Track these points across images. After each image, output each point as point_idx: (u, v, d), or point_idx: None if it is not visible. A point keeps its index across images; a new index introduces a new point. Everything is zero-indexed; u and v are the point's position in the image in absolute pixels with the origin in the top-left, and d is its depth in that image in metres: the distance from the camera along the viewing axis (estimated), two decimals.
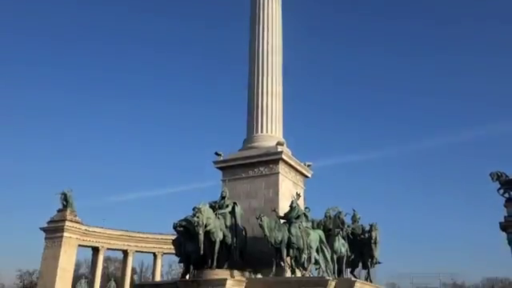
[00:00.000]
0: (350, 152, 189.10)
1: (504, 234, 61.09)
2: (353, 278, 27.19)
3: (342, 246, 28.02)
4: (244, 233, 26.74)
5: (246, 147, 30.61)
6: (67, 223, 57.30)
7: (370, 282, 28.95)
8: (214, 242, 24.75)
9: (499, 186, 62.73)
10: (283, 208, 27.00)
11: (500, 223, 61.40)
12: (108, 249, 64.95)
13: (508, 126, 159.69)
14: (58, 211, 59.63)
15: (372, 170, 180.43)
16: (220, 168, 30.18)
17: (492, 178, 63.57)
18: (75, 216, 59.40)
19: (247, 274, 25.33)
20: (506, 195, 62.12)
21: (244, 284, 24.09)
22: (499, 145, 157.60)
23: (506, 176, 62.46)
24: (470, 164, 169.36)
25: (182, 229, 25.63)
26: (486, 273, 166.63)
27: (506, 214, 60.86)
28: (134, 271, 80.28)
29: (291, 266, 25.56)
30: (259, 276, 25.39)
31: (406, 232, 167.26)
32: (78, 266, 77.99)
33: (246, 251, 26.41)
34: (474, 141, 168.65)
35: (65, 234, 56.96)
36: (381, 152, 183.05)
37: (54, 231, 57.59)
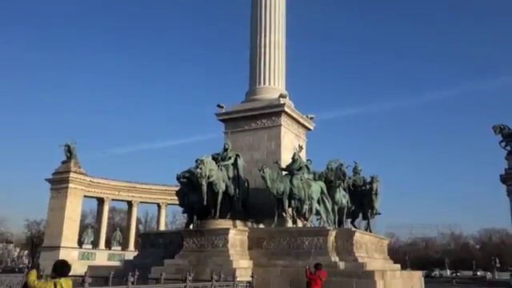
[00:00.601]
0: (353, 105, 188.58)
1: (504, 186, 61.98)
2: (353, 228, 27.76)
3: (342, 197, 28.43)
4: (246, 184, 27.09)
5: (248, 99, 30.46)
6: (72, 174, 58.06)
7: (370, 231, 29.58)
8: (217, 193, 25.14)
9: (501, 138, 63.09)
10: (285, 160, 27.20)
11: (500, 175, 62.14)
12: (113, 200, 66.14)
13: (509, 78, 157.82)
14: (63, 163, 60.30)
15: (374, 123, 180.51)
16: (222, 120, 30.17)
17: (495, 131, 63.84)
18: (79, 167, 60.08)
19: (249, 224, 25.88)
20: (508, 148, 62.61)
21: (246, 234, 24.66)
22: (502, 98, 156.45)
23: (509, 129, 62.65)
24: (470, 117, 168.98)
25: (185, 180, 25.99)
26: (483, 224, 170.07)
27: (507, 167, 61.55)
28: (138, 221, 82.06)
29: (293, 217, 26.06)
30: (261, 226, 25.95)
31: (406, 184, 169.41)
32: (84, 216, 79.65)
33: (249, 202, 26.88)
34: (476, 94, 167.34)
35: (70, 185, 57.84)
36: (382, 105, 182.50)
37: (59, 182, 58.48)
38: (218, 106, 30.13)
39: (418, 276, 31.67)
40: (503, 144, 62.96)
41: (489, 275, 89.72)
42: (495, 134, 63.57)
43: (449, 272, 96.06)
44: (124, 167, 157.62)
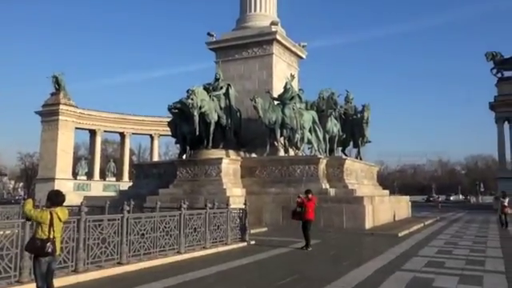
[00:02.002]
0: (344, 32, 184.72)
1: (493, 113, 62.65)
2: (343, 156, 28.27)
3: (334, 126, 28.63)
4: (238, 114, 27.08)
5: (239, 27, 29.66)
6: (61, 106, 57.41)
7: (360, 159, 30.13)
8: (209, 123, 25.18)
9: (493, 65, 62.81)
10: (277, 89, 27.02)
11: (490, 103, 62.61)
12: (105, 131, 66.11)
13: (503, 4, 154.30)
14: (52, 95, 59.41)
15: (366, 50, 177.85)
16: (213, 49, 29.54)
17: (487, 58, 63.38)
18: (69, 99, 59.30)
19: (242, 153, 26.19)
20: (499, 75, 62.54)
21: (239, 163, 25.03)
22: (495, 24, 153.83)
23: (501, 56, 62.19)
24: (462, 44, 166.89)
25: (177, 111, 25.91)
26: (470, 151, 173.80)
27: (497, 94, 61.87)
28: (132, 152, 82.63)
29: (284, 146, 26.36)
30: (254, 155, 26.28)
31: (396, 112, 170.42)
32: (76, 148, 79.92)
33: (241, 132, 27.03)
34: (469, 20, 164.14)
35: (60, 117, 57.37)
36: (374, 32, 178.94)
37: (49, 114, 57.93)
38: (209, 34, 29.36)
39: (405, 200, 32.82)
40: (494, 71, 62.82)
41: (473, 199, 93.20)
42: (487, 61, 63.24)
43: (461, 196, 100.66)
44: (115, 99, 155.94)
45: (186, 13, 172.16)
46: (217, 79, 26.73)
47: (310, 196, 14.91)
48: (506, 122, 60.83)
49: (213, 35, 29.27)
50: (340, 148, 31.22)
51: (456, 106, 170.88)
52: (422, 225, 24.18)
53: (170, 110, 26.38)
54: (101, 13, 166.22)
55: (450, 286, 8.95)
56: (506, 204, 23.62)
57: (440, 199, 71.84)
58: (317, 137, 27.22)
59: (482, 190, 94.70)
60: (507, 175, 59.28)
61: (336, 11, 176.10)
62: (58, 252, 7.09)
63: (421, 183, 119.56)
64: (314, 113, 27.37)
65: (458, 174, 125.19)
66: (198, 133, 24.88)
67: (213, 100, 25.45)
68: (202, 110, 24.56)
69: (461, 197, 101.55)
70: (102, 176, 65.04)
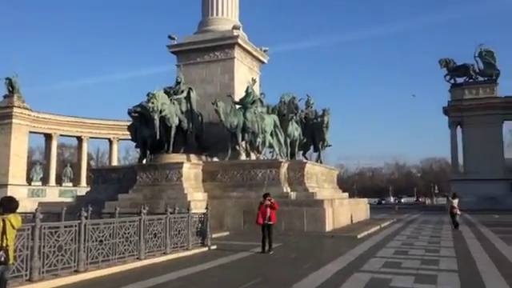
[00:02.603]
0: (306, 38, 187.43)
1: (446, 118, 65.08)
2: (304, 160, 28.60)
3: (295, 130, 28.97)
4: (200, 118, 26.94)
5: (201, 30, 29.54)
6: (15, 109, 55.36)
7: (321, 163, 30.60)
8: (170, 127, 24.94)
9: (446, 72, 65.33)
10: (239, 93, 27.07)
11: (443, 108, 65.04)
12: (61, 135, 64.28)
13: (455, 14, 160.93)
14: (5, 97, 57.24)
15: (326, 56, 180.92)
16: (174, 53, 29.28)
17: (441, 65, 65.85)
18: (23, 102, 57.25)
19: (203, 157, 26.06)
20: (452, 81, 65.10)
21: (200, 167, 24.89)
22: (447, 33, 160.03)
23: (454, 63, 64.80)
24: (416, 52, 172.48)
25: (136, 114, 25.51)
26: (426, 154, 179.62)
27: (450, 99, 64.35)
28: (89, 157, 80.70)
29: (246, 150, 26.43)
30: (215, 159, 26.20)
31: (356, 117, 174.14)
32: (31, 152, 77.30)
33: (202, 136, 26.89)
34: (423, 28, 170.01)
35: (14, 121, 55.31)
36: (334, 38, 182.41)
37: (1, 118, 55.77)
38: (170, 37, 29.09)
39: (363, 202, 33.58)
40: (448, 77, 65.34)
41: (428, 201, 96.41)
42: (441, 68, 65.71)
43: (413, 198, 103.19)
44: (72, 102, 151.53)
45: (147, 15, 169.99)
46: (178, 83, 26.52)
47: (272, 200, 15.05)
48: (459, 127, 63.31)
49: (174, 38, 29.04)
50: (301, 152, 31.60)
51: (412, 110, 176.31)
52: (380, 227, 24.78)
53: (129, 113, 25.95)
54: (60, 14, 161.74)
55: (406, 286, 9.22)
56: (454, 205, 24.12)
57: (392, 201, 74.04)
58: (278, 141, 27.46)
59: (437, 191, 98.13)
60: (460, 177, 61.65)
61: (298, 16, 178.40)
62: (11, 261, 6.85)
63: (379, 186, 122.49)
64: (275, 117, 27.60)
65: (414, 177, 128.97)
66: (158, 137, 24.57)
67: (174, 104, 25.22)
68: (163, 113, 24.29)
69: (413, 199, 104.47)
70: (58, 181, 63.12)
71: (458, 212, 24.09)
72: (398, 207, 59.52)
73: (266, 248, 14.43)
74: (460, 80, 64.23)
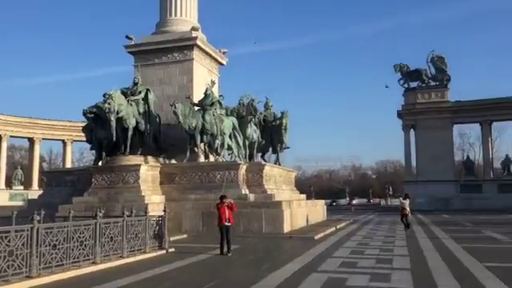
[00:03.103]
0: (265, 40, 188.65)
1: (400, 121, 67.21)
2: (263, 162, 28.79)
3: (253, 132, 29.11)
4: (158, 120, 26.61)
5: (159, 31, 29.19)
6: None
7: (279, 165, 30.87)
8: (127, 129, 24.51)
9: (401, 77, 67.50)
10: (197, 95, 26.95)
11: (397, 111, 67.13)
12: (12, 136, 61.89)
13: (415, 18, 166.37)
14: None
15: (284, 59, 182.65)
16: (132, 53, 28.78)
17: (395, 70, 67.99)
18: None
19: (161, 159, 25.74)
20: (406, 85, 67.33)
21: (158, 169, 24.59)
22: (403, 37, 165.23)
23: (408, 68, 67.07)
24: (372, 56, 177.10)
25: (92, 115, 24.92)
26: (381, 156, 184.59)
27: (404, 103, 66.52)
28: (42, 159, 78.03)
29: (205, 152, 26.32)
30: (173, 161, 25.95)
31: (313, 119, 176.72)
32: None
33: (160, 138, 26.57)
34: (379, 33, 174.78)
35: None
36: (292, 41, 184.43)
37: None
38: (127, 37, 28.59)
39: (320, 204, 34.15)
40: (402, 82, 67.54)
41: (383, 202, 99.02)
42: (395, 73, 67.85)
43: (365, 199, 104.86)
44: (25, 102, 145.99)
45: (103, 13, 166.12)
46: (135, 83, 26.11)
47: (231, 201, 15.09)
48: (412, 129, 65.52)
49: (131, 38, 28.56)
50: (259, 154, 31.78)
51: (369, 113, 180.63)
52: (336, 228, 25.25)
53: (84, 114, 25.30)
54: (12, 11, 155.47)
55: (361, 284, 9.47)
56: (405, 206, 24.41)
57: (344, 203, 75.74)
58: (237, 143, 27.51)
59: (391, 193, 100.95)
60: (412, 179, 63.84)
61: (259, 18, 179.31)
62: None
63: (336, 187, 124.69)
64: (234, 119, 27.65)
65: (370, 178, 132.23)
66: (115, 138, 24.09)
67: (131, 105, 24.80)
68: (120, 114, 23.85)
69: (365, 200, 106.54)
70: (8, 184, 60.67)
71: (408, 213, 24.32)
72: (354, 208, 60.89)
73: (225, 250, 14.43)
74: (413, 84, 66.58)
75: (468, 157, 71.60)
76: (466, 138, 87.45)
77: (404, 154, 67.57)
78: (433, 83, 65.71)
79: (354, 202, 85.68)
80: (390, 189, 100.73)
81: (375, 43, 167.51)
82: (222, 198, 15.12)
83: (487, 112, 61.65)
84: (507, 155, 65.73)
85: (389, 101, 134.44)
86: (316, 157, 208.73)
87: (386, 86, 68.91)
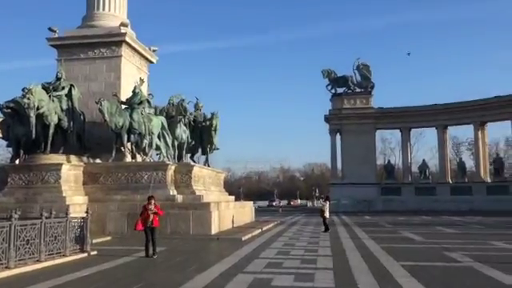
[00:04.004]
0: (198, 40, 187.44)
1: (327, 125, 69.49)
2: (192, 163, 28.53)
3: (183, 132, 28.73)
4: (82, 117, 25.47)
5: (85, 25, 27.96)
6: None
7: (208, 166, 30.73)
8: (48, 126, 23.20)
9: (328, 82, 69.81)
10: (125, 93, 26.15)
11: (325, 116, 69.35)
12: None
13: (345, 26, 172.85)
14: None
15: (217, 59, 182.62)
16: (55, 46, 27.32)
17: (323, 75, 70.20)
18: None
19: (85, 159, 24.69)
20: (333, 91, 69.73)
21: (81, 169, 23.56)
22: (331, 44, 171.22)
23: (335, 74, 69.50)
24: (302, 61, 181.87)
25: (9, 110, 23.33)
26: (308, 159, 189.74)
27: (331, 108, 68.86)
28: None
29: (132, 151, 25.62)
30: (98, 161, 24.98)
31: (244, 121, 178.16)
32: None
33: (85, 136, 25.45)
34: (312, 38, 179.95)
35: None
36: (225, 42, 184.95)
37: None
38: (50, 29, 27.10)
39: (249, 205, 34.47)
40: (329, 87, 69.88)
41: (309, 203, 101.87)
42: (323, 78, 70.06)
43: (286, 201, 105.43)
44: None
45: (24, 2, 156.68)
46: (58, 78, 24.79)
47: (157, 205, 14.82)
48: (338, 134, 67.96)
49: (55, 31, 27.12)
50: (189, 155, 31.44)
51: (298, 116, 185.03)
52: (264, 229, 25.58)
53: (1, 109, 23.65)
54: None
55: (286, 285, 9.64)
56: (324, 208, 24.75)
57: (275, 204, 77.08)
58: (166, 143, 27.00)
59: (318, 194, 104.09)
60: (338, 181, 66.23)
61: (192, 17, 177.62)
62: None
63: (265, 189, 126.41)
64: (163, 118, 27.11)
65: (297, 180, 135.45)
66: (34, 136, 22.69)
67: (53, 101, 23.51)
68: (40, 110, 22.51)
69: (285, 202, 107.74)
70: None
71: (327, 215, 24.62)
72: (282, 209, 62.08)
73: (150, 252, 14.11)
74: (340, 90, 69.10)
75: (389, 161, 75.50)
76: (387, 143, 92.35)
77: (330, 157, 69.93)
78: (358, 90, 68.60)
79: (275, 203, 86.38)
80: (317, 191, 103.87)
81: (307, 49, 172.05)
82: (150, 198, 14.81)
83: (407, 119, 65.35)
84: (424, 160, 70.16)
85: (317, 105, 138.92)
86: (246, 159, 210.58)
87: (408, 54, 70.80)
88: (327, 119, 69.23)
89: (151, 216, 14.33)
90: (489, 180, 61.54)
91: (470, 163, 73.99)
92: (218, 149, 32.56)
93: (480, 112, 60.69)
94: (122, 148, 24.84)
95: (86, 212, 15.14)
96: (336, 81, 69.40)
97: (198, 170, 26.15)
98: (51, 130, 23.34)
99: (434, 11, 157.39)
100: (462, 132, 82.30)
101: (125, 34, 26.73)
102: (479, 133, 62.41)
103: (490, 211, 46.49)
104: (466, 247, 16.29)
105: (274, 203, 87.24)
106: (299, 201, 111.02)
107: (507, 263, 12.39)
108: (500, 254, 14.73)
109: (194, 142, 30.88)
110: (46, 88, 23.72)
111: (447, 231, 24.51)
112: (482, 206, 53.43)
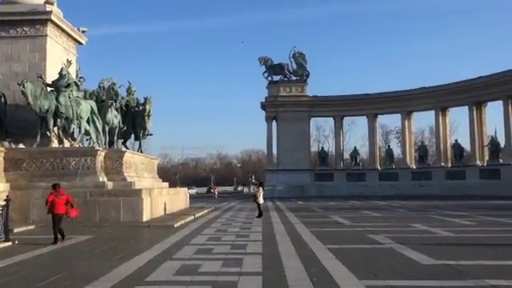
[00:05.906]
0: (132, 22, 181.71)
1: (263, 112, 70.13)
2: (123, 149, 27.75)
3: (114, 117, 27.81)
4: (3, 99, 23.92)
5: (6, 1, 26.15)
6: None
7: (141, 152, 30.05)
8: None
9: (265, 69, 70.30)
10: (51, 75, 24.81)
11: (261, 103, 69.91)
12: None
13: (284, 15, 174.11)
14: None
15: (153, 43, 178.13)
16: None
17: (260, 62, 70.56)
18: None
19: (7, 143, 23.24)
20: (270, 78, 70.34)
21: (2, 154, 22.19)
22: (270, 32, 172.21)
23: (272, 62, 70.05)
24: (241, 48, 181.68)
25: None
26: (245, 145, 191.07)
27: (267, 95, 69.48)
28: None
29: (59, 136, 24.49)
30: (21, 146, 23.63)
31: (180, 107, 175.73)
32: None
33: (6, 120, 23.93)
34: (250, 26, 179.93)
35: None
36: (161, 26, 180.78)
37: None
38: None
39: (183, 192, 34.22)
40: (266, 75, 70.42)
41: (245, 189, 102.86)
42: (260, 65, 70.45)
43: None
44: None
45: None
46: None
47: (56, 193, 14.36)
48: (274, 121, 68.81)
49: None
50: (121, 140, 30.52)
51: (235, 103, 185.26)
52: (198, 215, 25.48)
53: None
54: None
55: (213, 270, 9.64)
56: (257, 194, 24.85)
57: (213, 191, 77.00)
58: (95, 128, 25.98)
59: (254, 181, 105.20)
60: (273, 168, 67.28)
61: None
62: None
63: (202, 175, 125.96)
64: (92, 102, 26.05)
65: (234, 167, 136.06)
66: None
67: None
68: None
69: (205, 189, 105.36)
70: None
71: (261, 201, 24.77)
72: (218, 196, 62.19)
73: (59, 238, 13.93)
74: (276, 78, 69.81)
75: (323, 148, 77.52)
76: (321, 131, 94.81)
77: (266, 144, 70.79)
78: (294, 78, 69.63)
79: (193, 191, 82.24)
80: (253, 177, 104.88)
81: (245, 35, 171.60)
82: (55, 186, 14.42)
83: (340, 107, 67.29)
84: (355, 147, 72.72)
85: (255, 93, 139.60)
86: (183, 145, 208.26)
87: (242, 42, 71.73)
88: (263, 106, 69.83)
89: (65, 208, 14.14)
90: (414, 166, 65.01)
91: (397, 151, 77.66)
92: (151, 134, 31.95)
93: (407, 102, 63.73)
94: (48, 133, 23.63)
95: (6, 200, 14.33)
96: (272, 68, 69.98)
97: (130, 156, 25.51)
98: None
99: (370, 2, 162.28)
100: (391, 120, 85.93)
101: (50, 12, 25.25)
102: (406, 122, 65.61)
103: (414, 196, 49.19)
104: (389, 230, 17.13)
105: (212, 190, 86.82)
106: (218, 188, 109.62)
107: (425, 244, 13.15)
108: (420, 235, 15.63)
109: (126, 128, 30.01)
110: None
111: (373, 215, 25.65)
112: (406, 190, 56.41)
